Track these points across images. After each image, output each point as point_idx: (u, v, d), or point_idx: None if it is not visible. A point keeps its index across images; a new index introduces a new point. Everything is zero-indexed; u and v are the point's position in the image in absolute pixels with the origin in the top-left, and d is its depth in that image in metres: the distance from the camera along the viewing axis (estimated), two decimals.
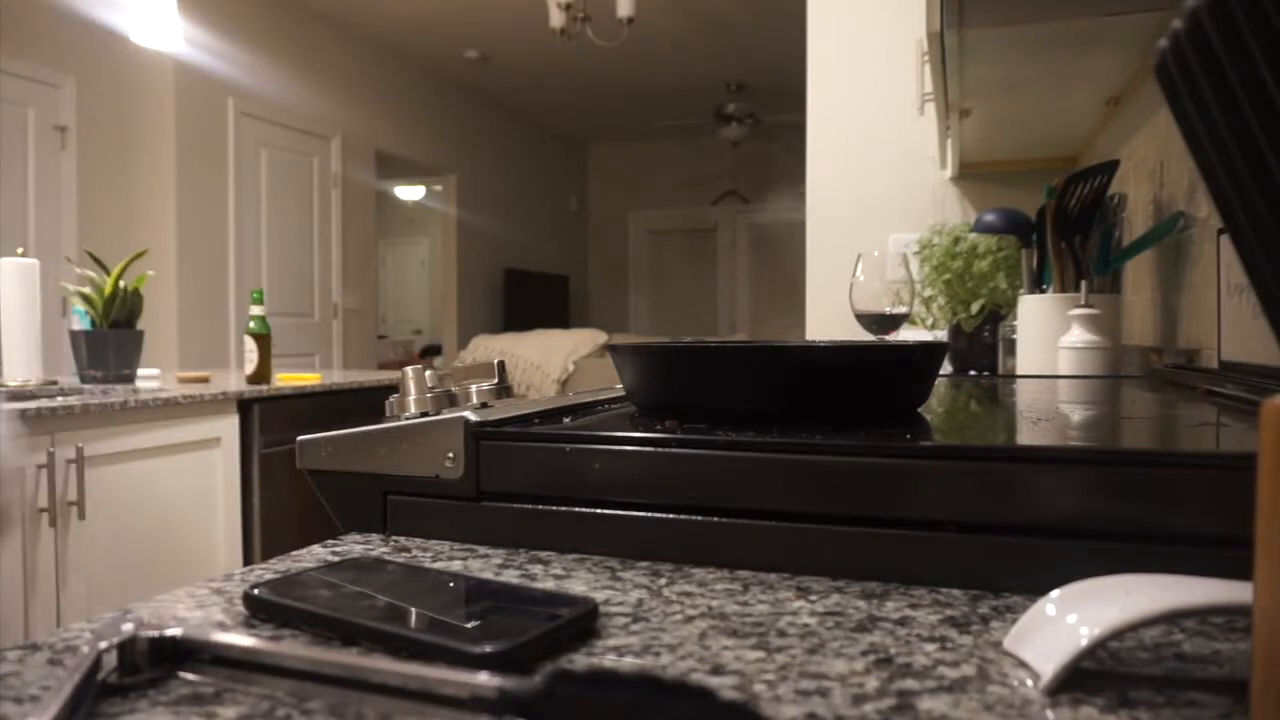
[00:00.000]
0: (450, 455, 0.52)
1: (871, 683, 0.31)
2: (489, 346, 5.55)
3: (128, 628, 0.32)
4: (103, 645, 0.31)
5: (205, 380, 2.46)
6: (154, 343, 3.49)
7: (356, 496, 0.55)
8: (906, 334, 1.45)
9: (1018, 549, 0.41)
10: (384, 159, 5.63)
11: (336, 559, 0.47)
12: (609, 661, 0.33)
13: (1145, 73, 1.39)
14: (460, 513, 0.52)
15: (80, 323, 2.28)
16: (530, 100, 6.88)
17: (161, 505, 2.05)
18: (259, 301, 2.41)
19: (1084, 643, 0.30)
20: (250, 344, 2.38)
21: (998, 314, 1.53)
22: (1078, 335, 1.21)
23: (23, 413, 1.75)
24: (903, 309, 1.25)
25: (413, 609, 0.37)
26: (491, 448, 0.52)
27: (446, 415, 0.53)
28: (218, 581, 0.43)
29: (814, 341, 1.02)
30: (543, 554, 0.49)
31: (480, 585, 0.42)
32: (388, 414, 0.58)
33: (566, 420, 0.58)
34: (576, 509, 0.49)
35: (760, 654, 0.34)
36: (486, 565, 0.47)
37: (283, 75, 4.66)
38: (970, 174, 2.28)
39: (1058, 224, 1.36)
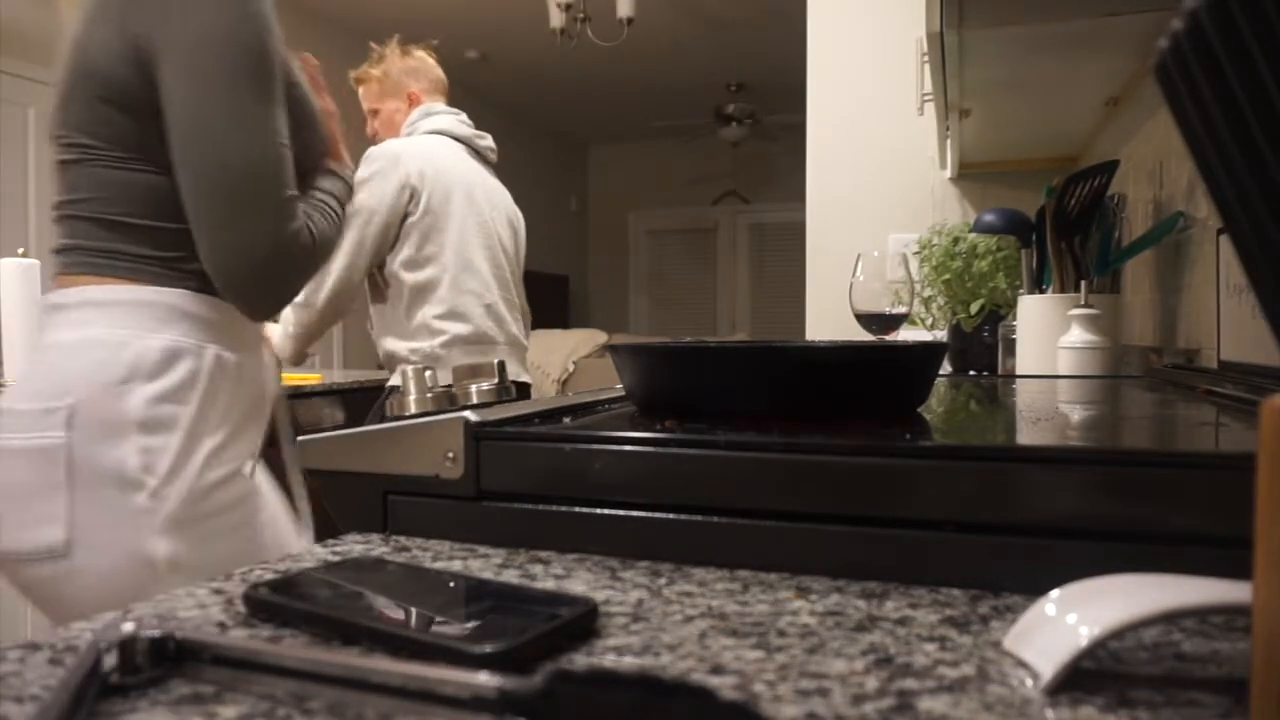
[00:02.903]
0: (450, 455, 0.52)
1: (871, 682, 0.31)
2: None
3: (128, 628, 0.32)
4: (103, 645, 0.31)
5: None
6: None
7: (356, 496, 0.55)
8: (906, 334, 1.45)
9: (1018, 549, 0.41)
10: None
11: (336, 559, 0.47)
12: (609, 661, 0.33)
13: (1145, 73, 1.39)
14: (460, 512, 0.52)
15: None
16: (530, 100, 6.88)
17: None
18: None
19: (1084, 642, 0.30)
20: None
21: (997, 314, 1.53)
22: (1077, 335, 1.21)
23: None
24: (903, 309, 1.25)
25: (413, 609, 0.37)
26: (491, 448, 0.52)
27: (446, 415, 0.53)
28: (218, 581, 0.43)
29: (814, 341, 1.02)
30: (543, 554, 0.49)
31: (480, 585, 0.42)
32: (387, 414, 0.58)
33: (566, 420, 0.58)
34: (576, 509, 0.49)
35: (760, 654, 0.34)
36: (486, 565, 0.47)
37: None
38: (970, 174, 2.29)
39: (1057, 224, 1.36)
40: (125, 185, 0.93)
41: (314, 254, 0.99)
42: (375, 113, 2.15)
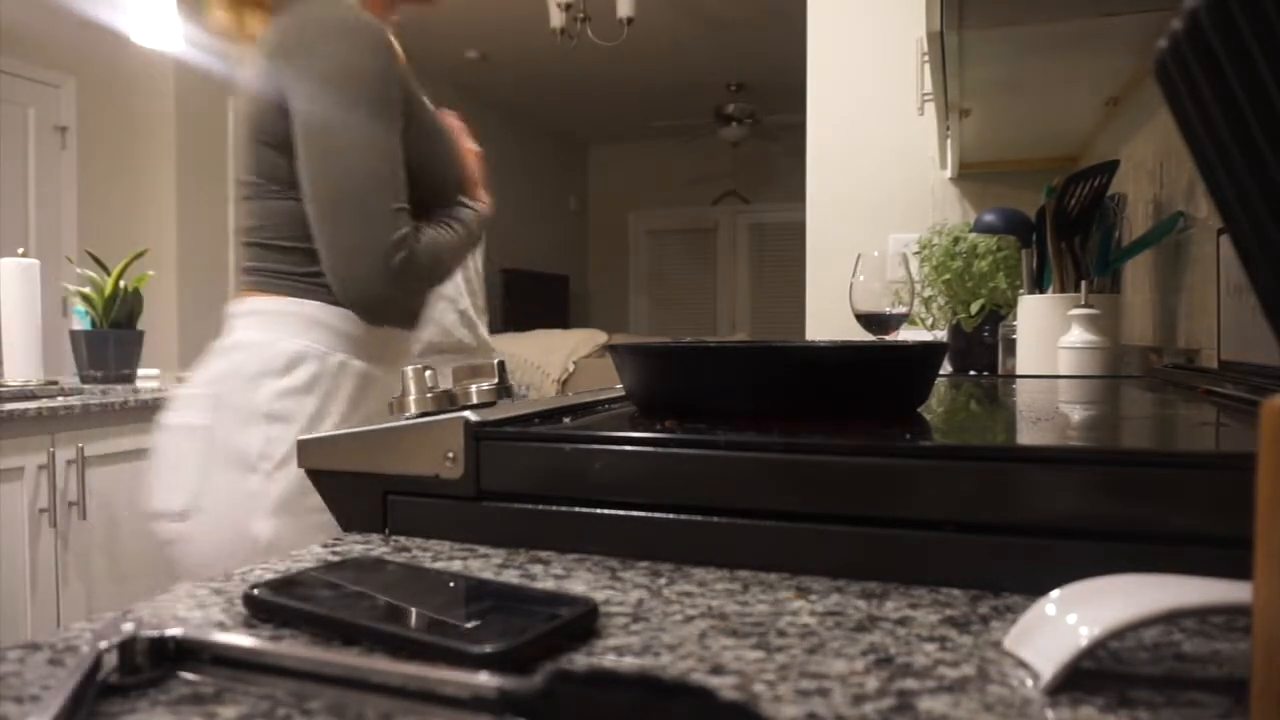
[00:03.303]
0: (450, 455, 0.52)
1: (871, 683, 0.31)
2: None
3: (128, 628, 0.32)
4: (103, 645, 0.31)
5: None
6: (154, 343, 3.49)
7: (356, 496, 0.55)
8: (906, 334, 1.45)
9: (1018, 549, 0.41)
10: None
11: (336, 559, 0.47)
12: (609, 661, 0.33)
13: (1145, 73, 1.39)
14: (460, 513, 0.52)
15: (80, 323, 2.28)
16: (530, 100, 6.88)
17: None
18: None
19: (1084, 643, 0.30)
20: None
21: (998, 314, 1.53)
22: (1077, 335, 1.21)
23: (23, 413, 1.75)
24: (903, 309, 1.25)
25: (413, 609, 0.37)
26: (491, 448, 0.52)
27: (446, 415, 0.53)
28: (218, 581, 0.43)
29: (814, 341, 1.02)
30: (543, 554, 0.49)
31: (480, 585, 0.42)
32: (387, 414, 0.58)
33: (566, 420, 0.58)
34: (576, 509, 0.49)
35: (760, 654, 0.34)
36: (486, 565, 0.47)
37: None
38: (970, 174, 2.28)
39: (1058, 224, 1.36)
40: (279, 213, 1.07)
41: (421, 263, 1.06)
42: None
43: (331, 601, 0.38)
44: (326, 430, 1.01)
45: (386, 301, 1.05)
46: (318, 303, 1.07)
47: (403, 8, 1.22)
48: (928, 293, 1.62)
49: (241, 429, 1.03)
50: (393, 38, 1.06)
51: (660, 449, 0.48)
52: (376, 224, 1.01)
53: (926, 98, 1.85)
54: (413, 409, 0.57)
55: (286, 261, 1.08)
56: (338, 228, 1.02)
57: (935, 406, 0.72)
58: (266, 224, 1.08)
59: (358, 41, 1.03)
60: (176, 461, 1.06)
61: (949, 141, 1.95)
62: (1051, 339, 1.27)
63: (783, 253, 7.64)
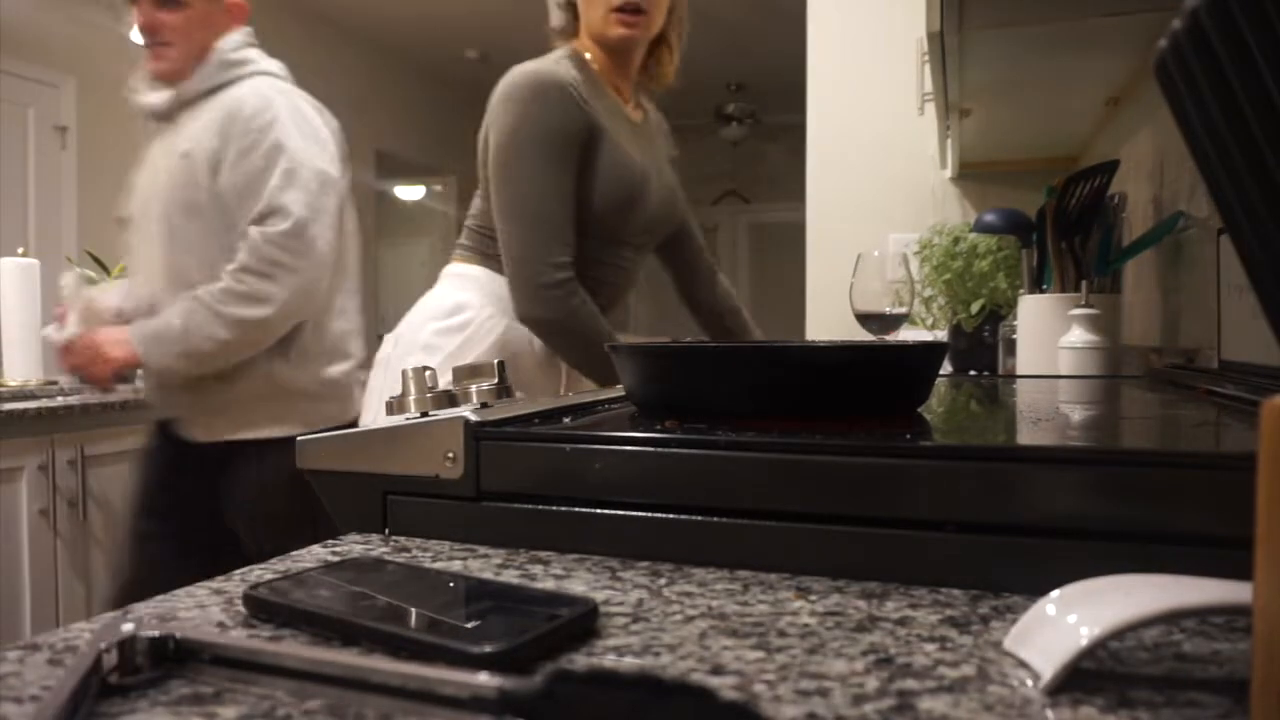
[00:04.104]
0: (450, 455, 0.52)
1: (871, 683, 0.31)
2: None
3: (128, 628, 0.32)
4: (103, 645, 0.31)
5: None
6: None
7: (356, 496, 0.55)
8: (906, 334, 1.45)
9: (1018, 549, 0.41)
10: (383, 159, 5.62)
11: (336, 559, 0.47)
12: (609, 661, 0.33)
13: (1145, 73, 1.39)
14: (460, 513, 0.52)
15: None
16: None
17: None
18: None
19: (1084, 643, 0.30)
20: None
21: (998, 314, 1.53)
22: (1078, 335, 1.21)
23: (23, 413, 1.75)
24: (903, 309, 1.25)
25: (413, 609, 0.37)
26: (491, 448, 0.52)
27: (446, 415, 0.53)
28: (218, 581, 0.43)
29: (814, 342, 1.02)
30: (543, 554, 0.49)
31: (480, 585, 0.42)
32: (387, 414, 0.58)
33: (566, 420, 0.58)
34: (576, 509, 0.49)
35: (760, 654, 0.34)
36: (486, 565, 0.47)
37: None
38: (970, 174, 2.28)
39: (1058, 224, 1.36)
40: (479, 207, 1.41)
41: (576, 317, 1.27)
42: (178, 2, 1.46)
43: (331, 601, 0.38)
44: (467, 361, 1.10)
45: (533, 319, 1.28)
46: (487, 270, 1.36)
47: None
48: (928, 293, 1.62)
49: (406, 359, 1.27)
50: (580, 92, 1.36)
51: (660, 449, 0.48)
52: (530, 249, 1.26)
53: (926, 98, 1.85)
54: (413, 409, 0.57)
55: (471, 239, 1.40)
56: (506, 248, 1.29)
57: (935, 406, 0.72)
58: (474, 211, 1.41)
59: (526, 99, 1.33)
60: (371, 390, 1.36)
61: (949, 141, 1.95)
62: (1051, 339, 1.27)
63: (783, 253, 7.63)
